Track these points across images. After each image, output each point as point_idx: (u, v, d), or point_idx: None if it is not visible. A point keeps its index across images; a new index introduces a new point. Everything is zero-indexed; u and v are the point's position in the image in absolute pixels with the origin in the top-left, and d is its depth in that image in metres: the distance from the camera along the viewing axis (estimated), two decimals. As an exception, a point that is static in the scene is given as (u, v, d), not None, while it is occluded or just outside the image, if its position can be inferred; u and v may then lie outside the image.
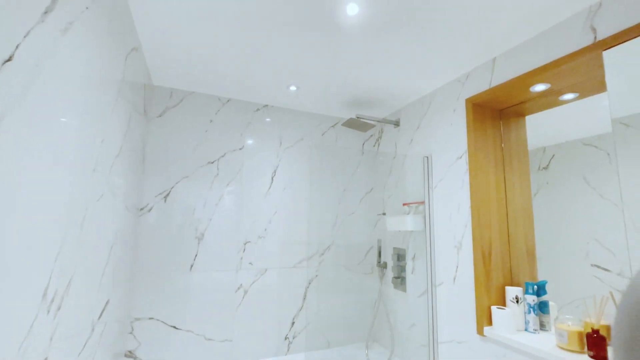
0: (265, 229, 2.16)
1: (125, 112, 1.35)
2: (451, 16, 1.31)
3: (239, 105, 2.20)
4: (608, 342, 1.23)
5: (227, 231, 2.05)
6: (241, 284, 2.04)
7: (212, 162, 2.07)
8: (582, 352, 1.19)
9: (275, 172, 2.25)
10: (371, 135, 2.61)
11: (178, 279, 1.89)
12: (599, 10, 1.18)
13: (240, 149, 2.16)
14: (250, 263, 2.08)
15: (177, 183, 1.96)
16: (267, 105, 2.29)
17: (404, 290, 2.08)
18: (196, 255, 1.95)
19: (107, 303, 1.27)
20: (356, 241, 2.42)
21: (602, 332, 1.17)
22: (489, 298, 1.53)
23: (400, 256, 2.15)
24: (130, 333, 1.76)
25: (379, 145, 2.53)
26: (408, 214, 1.99)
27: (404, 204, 2.14)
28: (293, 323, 2.14)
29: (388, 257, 2.29)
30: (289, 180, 2.28)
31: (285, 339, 2.11)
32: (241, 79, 1.90)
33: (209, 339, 1.92)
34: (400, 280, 2.12)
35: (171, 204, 1.93)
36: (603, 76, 1.30)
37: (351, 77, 1.86)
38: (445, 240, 1.78)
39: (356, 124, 2.18)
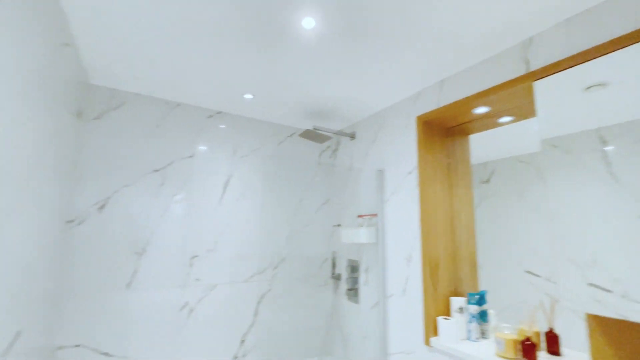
0: (216, 242, 2.04)
1: (50, 112, 1.19)
2: (405, 38, 1.36)
3: (190, 110, 2.08)
4: (537, 348, 1.34)
5: (172, 245, 1.90)
6: (187, 302, 1.90)
7: (158, 170, 1.91)
8: (515, 358, 1.27)
9: (228, 182, 2.15)
10: (328, 147, 2.63)
11: (113, 298, 1.70)
12: (531, 45, 1.30)
13: (190, 156, 2.03)
14: (197, 279, 1.95)
15: (115, 192, 1.78)
16: (221, 112, 2.19)
17: (357, 302, 2.09)
18: (135, 272, 1.77)
19: (17, 335, 1.09)
20: (311, 253, 2.39)
21: (533, 340, 1.27)
22: (436, 309, 1.59)
23: (353, 268, 2.17)
24: (51, 365, 1.53)
25: (335, 157, 2.55)
26: (362, 226, 2.01)
27: (358, 216, 2.17)
28: (243, 341, 2.03)
29: (342, 269, 2.29)
30: (242, 191, 2.19)
31: (235, 358, 1.99)
32: (192, 83, 1.80)
33: (148, 365, 1.74)
34: (353, 292, 2.13)
35: (108, 215, 1.75)
36: (534, 103, 1.43)
37: (308, 89, 1.85)
38: (396, 252, 1.82)
39: (313, 135, 2.18)
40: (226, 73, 1.67)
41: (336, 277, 2.28)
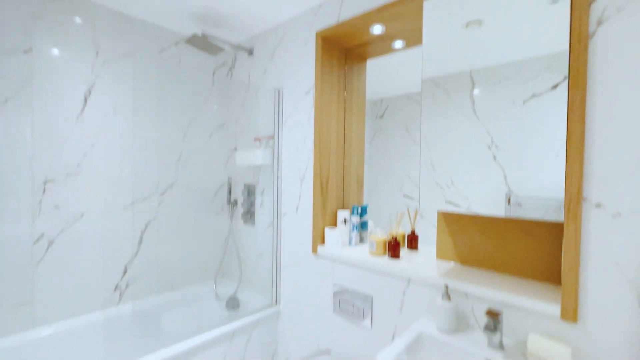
0: (79, 165, 1.69)
1: None
2: None
3: (18, -16, 1.49)
4: (401, 245, 1.60)
5: (11, 167, 1.49)
6: (42, 234, 1.58)
7: (-27, 64, 1.38)
8: (384, 255, 1.49)
9: (90, 92, 1.73)
10: (224, 63, 2.34)
11: None
12: (425, -42, 1.29)
13: (24, 52, 1.52)
14: (56, 207, 1.62)
15: None
16: (70, -5, 1.65)
17: (253, 224, 2.11)
18: (-48, 200, 1.35)
19: None
20: (205, 179, 2.24)
21: (399, 239, 1.49)
22: (324, 221, 1.72)
23: (250, 192, 2.13)
24: None
25: (231, 75, 2.30)
26: (259, 148, 1.94)
27: (255, 139, 2.07)
28: (125, 271, 1.87)
29: (238, 194, 2.24)
30: (112, 105, 1.81)
31: (116, 289, 1.83)
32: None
33: (-8, 306, 1.45)
34: (249, 215, 2.13)
35: None
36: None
37: (191, -22, 1.51)
38: (291, 173, 1.84)
39: (203, 43, 1.87)
40: None
41: (232, 203, 2.22)
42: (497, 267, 1.23)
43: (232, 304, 2.05)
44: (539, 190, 1.00)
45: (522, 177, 1.03)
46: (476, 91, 1.14)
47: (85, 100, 1.71)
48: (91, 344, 1.65)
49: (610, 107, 0.89)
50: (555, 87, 0.97)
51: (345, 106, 1.84)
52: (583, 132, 0.92)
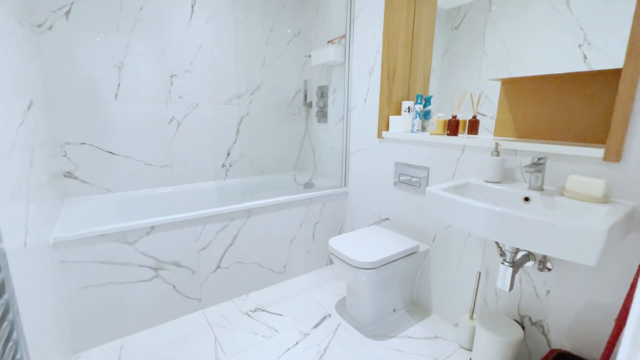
0: (192, 63, 2.13)
1: None
2: None
3: None
4: (462, 131, 1.72)
5: (149, 61, 1.98)
6: (173, 117, 2.12)
7: (116, -22, 1.80)
8: (443, 134, 1.66)
9: (194, 1, 2.08)
10: (299, -29, 2.46)
11: (104, 108, 1.88)
12: None
13: (150, -34, 1.89)
14: (180, 97, 2.12)
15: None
16: None
17: (326, 121, 2.42)
18: (119, 84, 1.90)
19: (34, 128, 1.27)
20: (284, 83, 2.56)
21: (458, 118, 1.63)
22: (389, 110, 1.91)
23: (323, 93, 2.40)
24: (64, 156, 1.80)
25: (306, -18, 2.43)
26: (332, 47, 2.13)
27: (328, 42, 2.26)
28: (229, 153, 2.39)
29: (313, 96, 2.53)
30: (211, 13, 2.15)
31: (223, 166, 2.39)
32: None
33: (149, 164, 2.08)
34: (322, 113, 2.42)
35: (75, 25, 1.73)
36: None
37: None
38: (360, 68, 2.03)
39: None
40: None
41: (308, 105, 2.53)
42: (553, 138, 1.32)
43: (309, 187, 2.48)
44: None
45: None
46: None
47: (192, 7, 2.07)
48: (209, 199, 2.26)
49: None
50: None
51: (415, 4, 1.87)
52: (661, -33, 0.90)
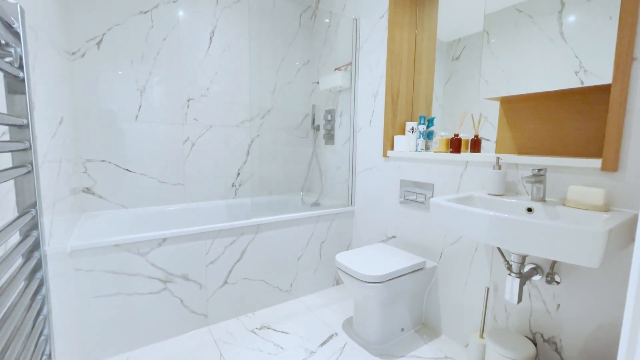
0: (208, 89, 2.28)
1: None
2: None
3: (168, -50, 2.04)
4: (464, 149, 1.78)
5: (169, 86, 2.13)
6: (188, 137, 2.23)
7: (145, 12, 2.00)
8: (447, 151, 1.72)
9: (213, 32, 2.27)
10: (308, 7, 2.68)
11: (125, 127, 2.00)
12: None
13: (174, 1, 2.09)
14: (195, 119, 2.25)
15: (108, 30, 1.90)
16: (199, -44, 2.16)
17: (333, 143, 2.51)
18: (140, 107, 2.04)
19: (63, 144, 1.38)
20: (294, 107, 2.70)
21: (460, 136, 1.70)
22: (394, 130, 2.00)
23: (330, 116, 2.51)
24: (85, 172, 1.90)
25: (315, 17, 2.63)
26: (339, 73, 2.27)
27: (335, 69, 2.41)
28: (239, 173, 2.48)
29: (320, 120, 2.64)
30: (227, 43, 2.33)
31: (233, 185, 2.46)
32: None
33: (163, 182, 2.16)
34: (329, 135, 2.52)
35: (105, 53, 1.90)
36: None
37: None
38: (365, 92, 2.14)
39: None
40: None
41: (315, 128, 2.64)
42: (552, 153, 1.37)
43: (316, 207, 2.52)
44: (591, 58, 1.11)
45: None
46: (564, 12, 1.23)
47: (211, 39, 2.26)
48: (218, 217, 2.31)
49: (668, -36, 0.95)
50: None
51: (416, 31, 2.02)
52: (638, -7, 1.00)
